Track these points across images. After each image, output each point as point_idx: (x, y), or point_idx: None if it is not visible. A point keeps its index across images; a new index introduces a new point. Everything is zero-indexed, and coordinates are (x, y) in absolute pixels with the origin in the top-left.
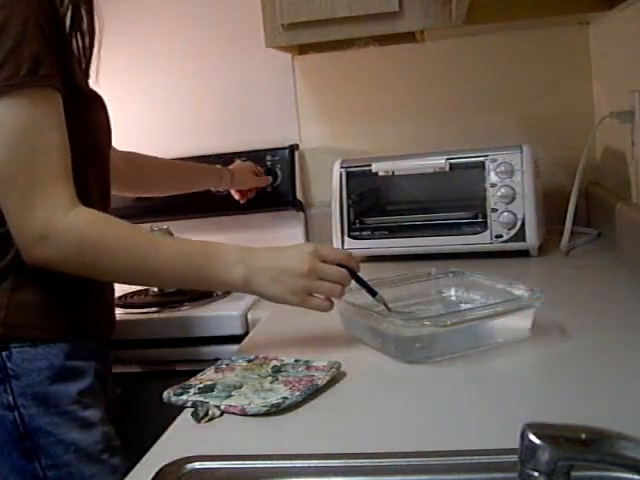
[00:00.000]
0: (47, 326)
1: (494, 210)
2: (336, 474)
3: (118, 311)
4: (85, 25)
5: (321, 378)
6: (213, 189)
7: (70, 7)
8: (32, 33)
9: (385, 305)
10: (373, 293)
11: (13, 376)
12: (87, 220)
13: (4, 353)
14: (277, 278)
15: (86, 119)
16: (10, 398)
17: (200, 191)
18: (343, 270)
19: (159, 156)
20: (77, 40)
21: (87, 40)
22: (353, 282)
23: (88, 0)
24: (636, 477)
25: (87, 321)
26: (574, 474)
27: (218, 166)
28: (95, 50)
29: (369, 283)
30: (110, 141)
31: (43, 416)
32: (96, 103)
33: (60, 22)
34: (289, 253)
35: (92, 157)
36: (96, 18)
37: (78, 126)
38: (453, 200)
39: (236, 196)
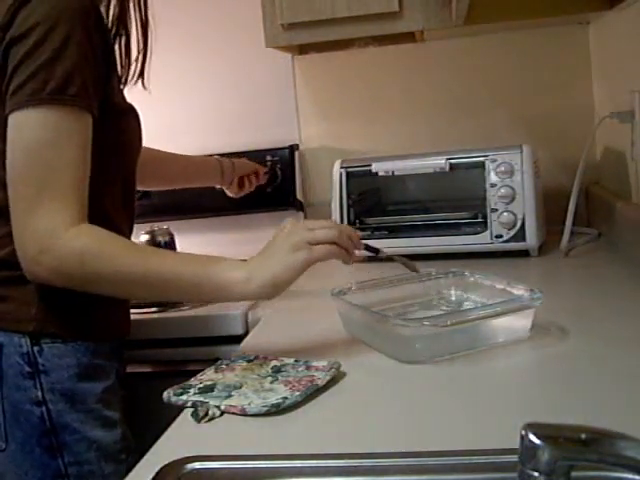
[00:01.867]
0: (75, 324)
1: (494, 210)
2: (336, 474)
3: None
4: (129, 33)
5: (321, 378)
6: (217, 185)
7: (116, 16)
8: (70, 51)
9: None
10: (377, 251)
11: (43, 371)
12: (86, 238)
13: (35, 348)
14: (272, 255)
15: (121, 136)
16: (39, 393)
17: (200, 191)
18: (333, 230)
19: None
20: (121, 49)
21: (131, 48)
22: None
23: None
24: (636, 477)
25: (110, 320)
26: (574, 474)
27: (217, 157)
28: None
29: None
30: (139, 155)
31: (70, 413)
32: (131, 117)
33: (105, 35)
34: (275, 236)
35: (122, 171)
36: (150, 23)
37: (113, 142)
38: (453, 200)
39: (232, 192)
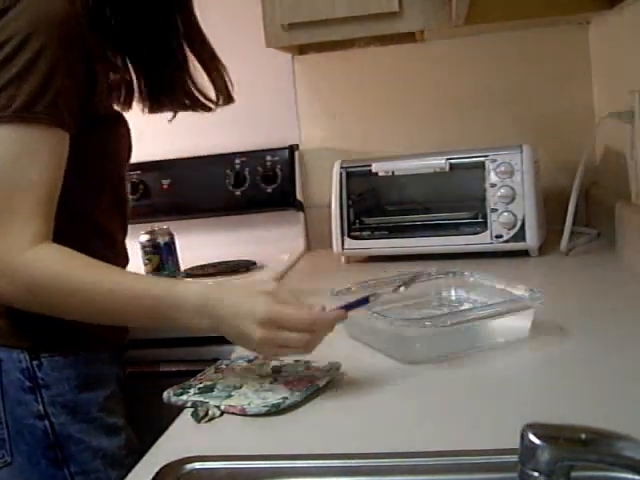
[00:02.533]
0: (72, 336)
1: (494, 210)
2: (336, 474)
3: None
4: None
5: (321, 378)
6: None
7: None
8: (43, 64)
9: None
10: (365, 301)
11: (44, 385)
12: (42, 260)
13: (34, 362)
14: (240, 337)
15: (108, 145)
16: (40, 407)
17: (200, 191)
18: (305, 337)
19: (159, 157)
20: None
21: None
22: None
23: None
24: (636, 477)
25: (106, 329)
26: (574, 474)
27: None
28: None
29: (355, 301)
30: (128, 161)
31: (73, 424)
32: (118, 126)
33: (88, 43)
34: (244, 309)
35: (111, 179)
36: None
37: (99, 151)
38: (453, 200)
39: None
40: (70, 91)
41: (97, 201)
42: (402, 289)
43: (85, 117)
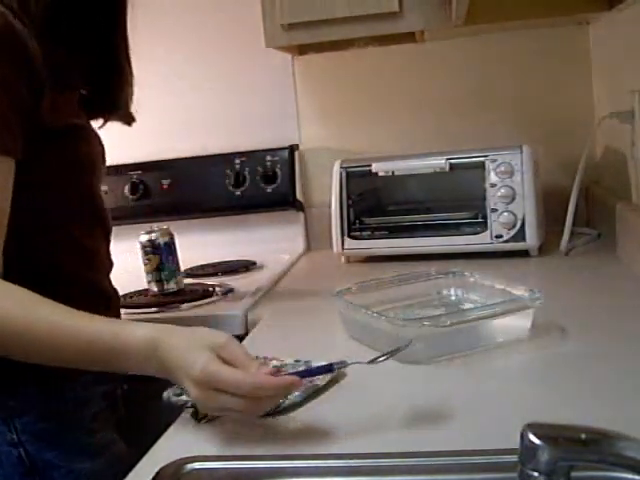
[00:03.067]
0: (36, 372)
1: (494, 210)
2: (336, 474)
3: None
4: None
5: (321, 378)
6: None
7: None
8: None
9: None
10: (330, 369)
11: (16, 415)
12: None
13: (5, 395)
14: (185, 389)
15: (70, 158)
16: (14, 436)
17: (200, 191)
18: (244, 402)
19: (158, 157)
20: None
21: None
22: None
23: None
24: (636, 477)
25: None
26: (574, 474)
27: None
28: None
29: (317, 367)
30: (100, 171)
31: (50, 450)
32: (78, 136)
33: (26, 55)
34: (185, 364)
35: (84, 193)
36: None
37: (61, 165)
38: (453, 200)
39: None
40: (9, 112)
41: (70, 214)
42: (382, 359)
43: (33, 133)
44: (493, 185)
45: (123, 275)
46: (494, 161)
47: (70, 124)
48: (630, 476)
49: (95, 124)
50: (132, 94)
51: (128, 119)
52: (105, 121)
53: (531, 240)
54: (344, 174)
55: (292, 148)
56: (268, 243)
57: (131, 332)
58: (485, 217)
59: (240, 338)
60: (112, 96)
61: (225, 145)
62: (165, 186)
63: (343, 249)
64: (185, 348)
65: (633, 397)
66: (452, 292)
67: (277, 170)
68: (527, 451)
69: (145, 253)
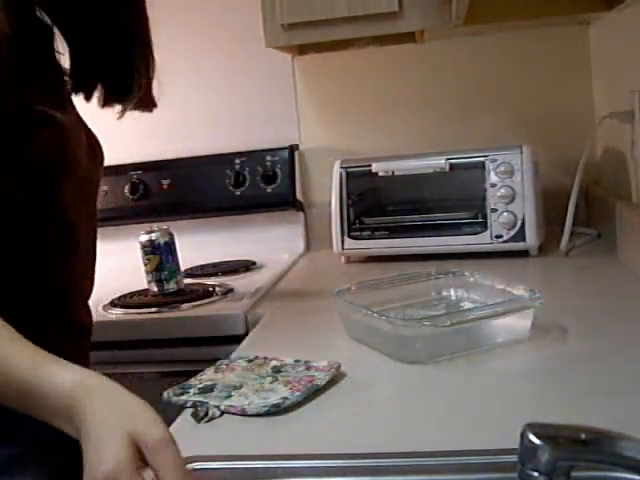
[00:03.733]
0: None
1: (494, 210)
2: (336, 474)
3: (118, 311)
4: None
5: (321, 378)
6: None
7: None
8: None
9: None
10: None
11: None
12: None
13: None
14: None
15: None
16: None
17: (200, 191)
18: None
19: (158, 157)
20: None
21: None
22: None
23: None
24: (636, 477)
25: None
26: (574, 474)
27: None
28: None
29: None
30: (81, 173)
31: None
32: (48, 129)
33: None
34: (96, 447)
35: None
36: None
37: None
38: (453, 200)
39: None
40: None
41: (43, 236)
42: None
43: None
44: (493, 185)
45: (123, 275)
46: (494, 161)
47: (48, 116)
48: (630, 476)
49: (113, 113)
50: (148, 78)
51: (148, 105)
52: (124, 109)
53: (531, 240)
54: (344, 174)
55: (292, 148)
56: (268, 243)
57: (47, 376)
58: (485, 217)
59: (240, 338)
60: (123, 82)
61: (225, 145)
62: (165, 186)
63: (343, 249)
64: (102, 434)
65: (633, 397)
66: (452, 292)
67: (277, 170)
68: (527, 451)
69: (145, 253)
